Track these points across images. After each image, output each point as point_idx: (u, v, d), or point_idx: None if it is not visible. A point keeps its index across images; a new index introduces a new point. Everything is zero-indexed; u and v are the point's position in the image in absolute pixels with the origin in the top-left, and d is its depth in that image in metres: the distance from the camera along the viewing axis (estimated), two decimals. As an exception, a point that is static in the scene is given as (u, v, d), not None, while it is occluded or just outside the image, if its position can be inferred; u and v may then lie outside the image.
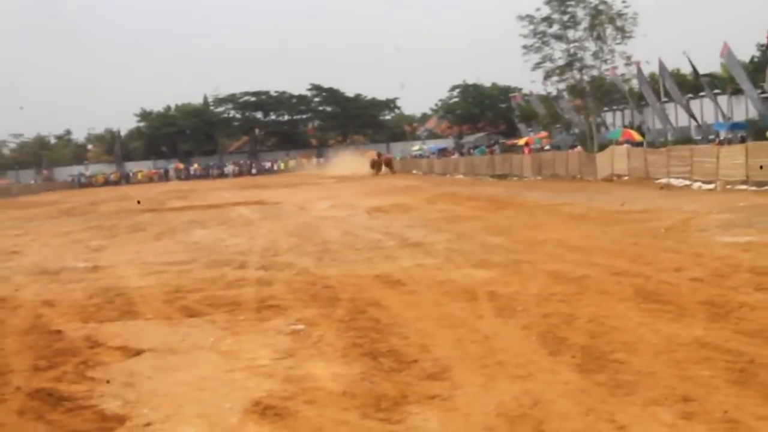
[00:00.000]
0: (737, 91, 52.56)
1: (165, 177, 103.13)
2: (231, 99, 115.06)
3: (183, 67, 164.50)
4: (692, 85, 59.20)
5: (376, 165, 76.67)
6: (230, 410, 7.06)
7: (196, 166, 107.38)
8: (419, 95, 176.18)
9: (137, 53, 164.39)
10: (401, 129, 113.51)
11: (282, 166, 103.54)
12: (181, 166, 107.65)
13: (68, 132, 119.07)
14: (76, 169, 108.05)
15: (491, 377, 7.59)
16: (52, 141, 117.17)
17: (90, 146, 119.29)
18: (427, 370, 7.92)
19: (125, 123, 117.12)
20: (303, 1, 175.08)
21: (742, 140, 38.31)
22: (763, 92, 52.07)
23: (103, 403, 7.46)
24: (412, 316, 10.38)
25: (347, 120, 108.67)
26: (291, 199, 40.00)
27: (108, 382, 8.17)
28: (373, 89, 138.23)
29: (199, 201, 44.06)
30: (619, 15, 48.81)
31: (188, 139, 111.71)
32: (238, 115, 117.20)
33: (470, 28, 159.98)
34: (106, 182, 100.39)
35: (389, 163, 78.41)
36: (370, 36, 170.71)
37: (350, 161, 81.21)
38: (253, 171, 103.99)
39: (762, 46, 62.41)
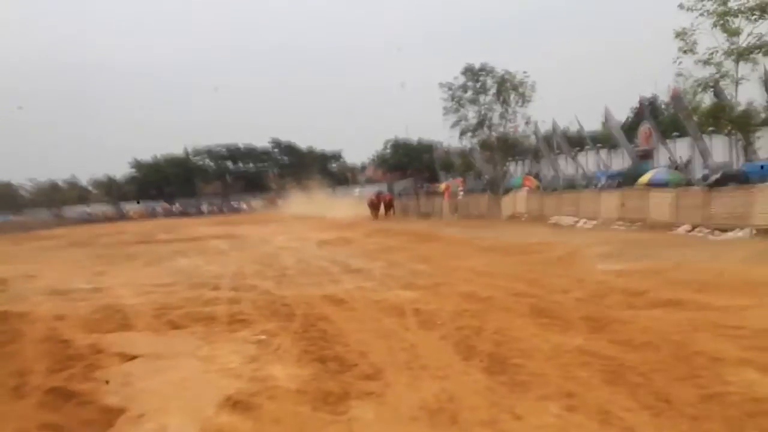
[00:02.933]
0: (615, 146, 53.38)
1: (153, 215, 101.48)
2: (207, 151, 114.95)
3: (168, 124, 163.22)
4: (579, 140, 60.04)
5: (374, 206, 56.78)
6: (207, 404, 7.11)
7: (177, 205, 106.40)
8: (359, 148, 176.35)
9: (132, 113, 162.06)
10: (345, 175, 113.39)
11: (254, 205, 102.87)
12: (167, 205, 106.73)
13: (74, 177, 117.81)
14: (81, 208, 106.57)
15: (416, 378, 7.70)
16: (61, 185, 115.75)
17: (92, 189, 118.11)
18: (364, 372, 8.01)
19: (120, 170, 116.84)
20: (271, 72, 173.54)
21: (618, 186, 38.80)
22: (636, 147, 53.01)
23: (105, 399, 7.51)
24: (353, 329, 10.42)
25: (301, 169, 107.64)
26: (255, 233, 39.62)
27: (107, 382, 8.17)
28: (324, 142, 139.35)
29: (182, 235, 43.23)
30: (521, 83, 49.42)
31: (172, 183, 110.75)
32: (212, 164, 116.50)
33: (400, 91, 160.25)
34: (106, 219, 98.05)
35: (390, 204, 57.92)
36: (324, 98, 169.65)
37: (312, 203, 70.93)
38: (225, 210, 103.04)
39: (635, 109, 63.63)
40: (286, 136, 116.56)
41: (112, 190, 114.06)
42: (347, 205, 58.62)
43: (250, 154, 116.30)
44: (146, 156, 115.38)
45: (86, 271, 22.40)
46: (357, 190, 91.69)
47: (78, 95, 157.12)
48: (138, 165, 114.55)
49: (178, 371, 8.62)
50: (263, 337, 10.29)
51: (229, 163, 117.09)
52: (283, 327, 10.90)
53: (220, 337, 10.56)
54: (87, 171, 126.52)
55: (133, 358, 9.36)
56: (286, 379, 7.90)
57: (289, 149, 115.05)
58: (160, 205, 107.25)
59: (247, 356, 9.14)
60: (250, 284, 16.40)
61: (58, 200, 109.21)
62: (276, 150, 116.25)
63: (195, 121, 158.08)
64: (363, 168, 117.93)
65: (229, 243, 32.88)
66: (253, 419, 6.64)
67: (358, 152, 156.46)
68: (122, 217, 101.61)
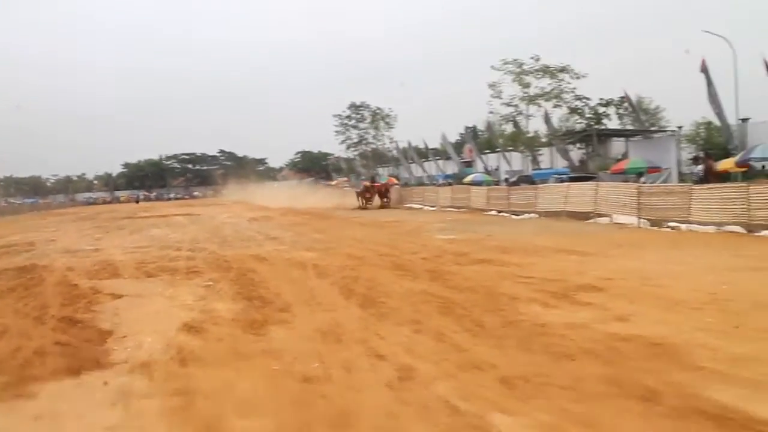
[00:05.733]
0: (448, 158, 54.80)
1: (136, 200, 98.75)
2: (174, 157, 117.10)
3: (147, 136, 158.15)
4: (425, 153, 61.13)
5: (365, 195, 36.97)
6: (170, 328, 6.93)
7: (154, 194, 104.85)
8: (278, 155, 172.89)
9: (125, 127, 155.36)
10: (268, 174, 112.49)
11: (209, 193, 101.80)
12: (146, 193, 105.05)
13: (83, 174, 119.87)
14: (88, 195, 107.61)
15: (313, 310, 7.62)
16: (74, 178, 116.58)
17: (95, 182, 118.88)
18: (278, 307, 7.87)
19: (115, 169, 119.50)
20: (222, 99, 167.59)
21: (449, 184, 39.83)
22: (462, 159, 54.57)
23: (100, 324, 7.26)
24: (271, 277, 10.23)
25: (239, 169, 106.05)
26: (206, 213, 38.03)
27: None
28: (255, 150, 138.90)
29: (155, 213, 41.43)
30: (387, 116, 50.62)
31: (150, 178, 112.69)
32: (178, 166, 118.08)
33: (308, 117, 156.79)
34: (104, 202, 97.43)
35: (385, 192, 37.89)
36: (255, 116, 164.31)
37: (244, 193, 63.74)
38: (186, 197, 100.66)
39: (462, 133, 65.35)
40: (229, 144, 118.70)
41: (109, 182, 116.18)
42: (269, 194, 57.27)
43: (204, 158, 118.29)
44: (132, 159, 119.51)
45: (89, 237, 21.45)
46: (276, 185, 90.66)
47: (94, 116, 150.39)
48: (127, 165, 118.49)
49: (151, 306, 8.34)
50: (210, 283, 9.98)
51: (190, 165, 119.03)
52: (223, 276, 10.59)
53: (180, 282, 10.20)
54: (92, 169, 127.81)
55: (121, 296, 9.01)
56: (225, 312, 7.70)
57: (231, 156, 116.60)
58: (141, 193, 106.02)
59: (198, 296, 8.86)
60: (201, 247, 15.87)
61: (71, 189, 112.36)
62: (222, 156, 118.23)
63: (168, 131, 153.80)
64: (281, 169, 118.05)
65: (187, 219, 31.62)
66: (202, 339, 6.47)
67: (278, 158, 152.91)
68: (115, 200, 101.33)
